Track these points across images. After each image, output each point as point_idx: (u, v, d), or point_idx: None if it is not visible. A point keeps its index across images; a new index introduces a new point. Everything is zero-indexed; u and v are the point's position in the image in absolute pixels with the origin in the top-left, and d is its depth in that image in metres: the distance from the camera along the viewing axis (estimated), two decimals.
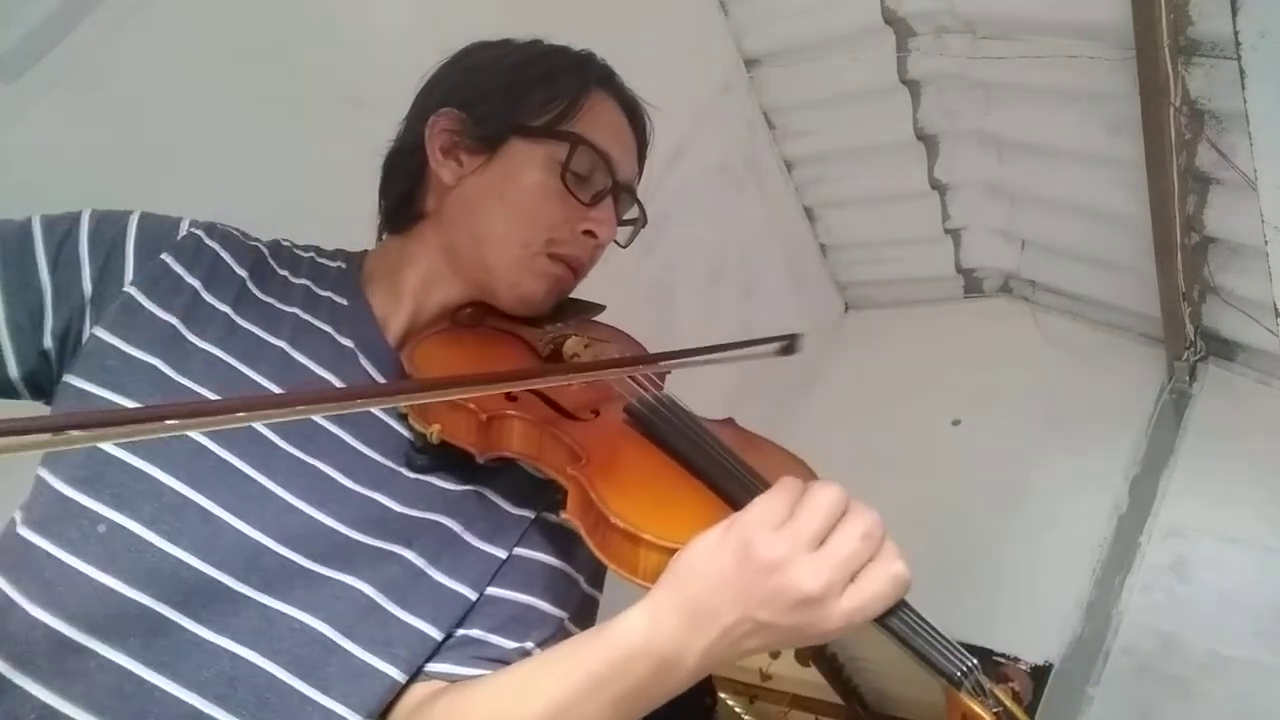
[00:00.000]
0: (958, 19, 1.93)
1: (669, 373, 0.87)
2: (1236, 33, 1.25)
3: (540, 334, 0.85)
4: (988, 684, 0.55)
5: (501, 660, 0.70)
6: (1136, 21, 1.54)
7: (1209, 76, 1.59)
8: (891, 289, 2.77)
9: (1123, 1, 1.55)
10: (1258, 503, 1.94)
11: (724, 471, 0.66)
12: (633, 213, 0.92)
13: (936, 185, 2.35)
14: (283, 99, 1.39)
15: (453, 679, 0.69)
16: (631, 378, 0.80)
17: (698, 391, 0.83)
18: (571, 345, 0.85)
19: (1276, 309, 1.58)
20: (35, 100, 1.19)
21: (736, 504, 0.62)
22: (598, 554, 0.61)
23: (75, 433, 0.49)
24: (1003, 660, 2.05)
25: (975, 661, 0.56)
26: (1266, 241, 1.45)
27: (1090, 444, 2.19)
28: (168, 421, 0.51)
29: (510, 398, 0.72)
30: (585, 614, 0.78)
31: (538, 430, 0.71)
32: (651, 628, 0.58)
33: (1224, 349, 2.15)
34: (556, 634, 0.74)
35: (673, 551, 0.59)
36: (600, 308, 0.96)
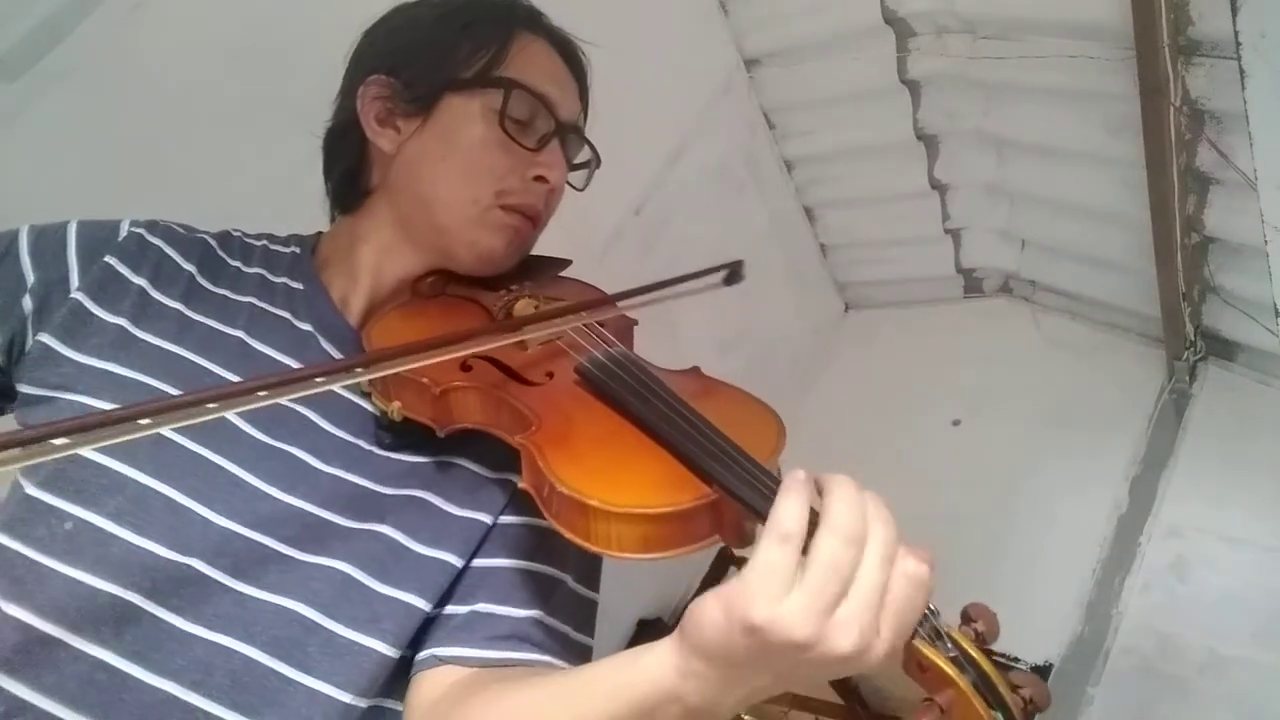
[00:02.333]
0: (958, 19, 1.93)
1: (636, 323, 0.85)
2: (1236, 33, 1.25)
3: (497, 298, 0.82)
4: (944, 628, 0.53)
5: (516, 635, 0.68)
6: (1136, 21, 1.54)
7: (1209, 76, 1.59)
8: (891, 289, 2.77)
9: (1122, 1, 1.55)
10: (1258, 503, 1.94)
11: (676, 429, 0.62)
12: (584, 155, 0.89)
13: (936, 185, 2.35)
14: (282, 98, 1.38)
15: (470, 662, 0.67)
16: (590, 329, 0.76)
17: None
18: (522, 307, 0.80)
19: (1276, 309, 1.58)
20: (35, 100, 1.19)
21: (691, 463, 0.60)
22: (553, 523, 0.59)
23: (58, 440, 0.48)
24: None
25: (933, 607, 0.52)
26: (1266, 241, 1.45)
27: (1090, 444, 2.19)
28: (140, 421, 0.51)
29: (464, 367, 0.70)
30: (589, 571, 0.76)
31: (492, 399, 0.69)
32: (680, 680, 0.52)
33: (1224, 349, 2.14)
34: (565, 598, 0.73)
35: (621, 516, 0.56)
36: (566, 263, 0.92)
